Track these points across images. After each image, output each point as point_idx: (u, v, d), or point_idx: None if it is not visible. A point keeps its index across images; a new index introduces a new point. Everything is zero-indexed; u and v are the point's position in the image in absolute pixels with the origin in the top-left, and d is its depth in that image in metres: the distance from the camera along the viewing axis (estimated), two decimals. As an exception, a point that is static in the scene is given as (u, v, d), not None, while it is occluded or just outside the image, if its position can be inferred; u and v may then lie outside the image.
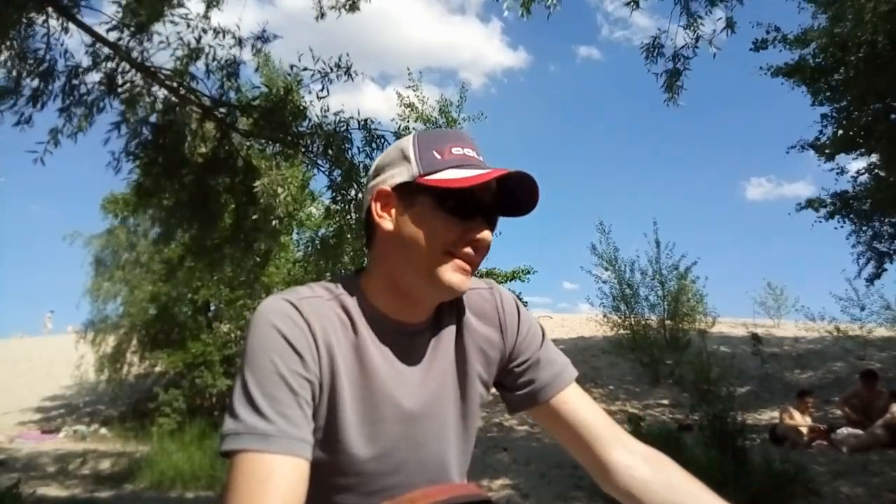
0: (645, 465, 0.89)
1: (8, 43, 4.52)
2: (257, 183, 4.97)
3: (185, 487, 7.25)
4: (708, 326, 11.64)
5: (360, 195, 5.32)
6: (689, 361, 9.17)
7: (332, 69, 5.16)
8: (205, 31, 5.05)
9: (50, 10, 4.65)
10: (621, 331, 11.57)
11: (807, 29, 8.30)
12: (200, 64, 5.17)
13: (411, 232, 0.83)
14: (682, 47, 5.30)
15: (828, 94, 8.88)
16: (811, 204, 10.30)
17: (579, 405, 0.94)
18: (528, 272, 10.91)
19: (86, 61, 4.94)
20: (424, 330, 0.89)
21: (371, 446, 0.82)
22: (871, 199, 9.63)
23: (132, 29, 4.85)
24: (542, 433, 7.87)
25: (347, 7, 5.44)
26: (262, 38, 5.30)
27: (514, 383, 0.96)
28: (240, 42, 5.17)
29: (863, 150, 9.45)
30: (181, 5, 4.97)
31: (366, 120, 5.28)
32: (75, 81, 4.85)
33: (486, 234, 0.83)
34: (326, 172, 5.50)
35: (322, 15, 5.47)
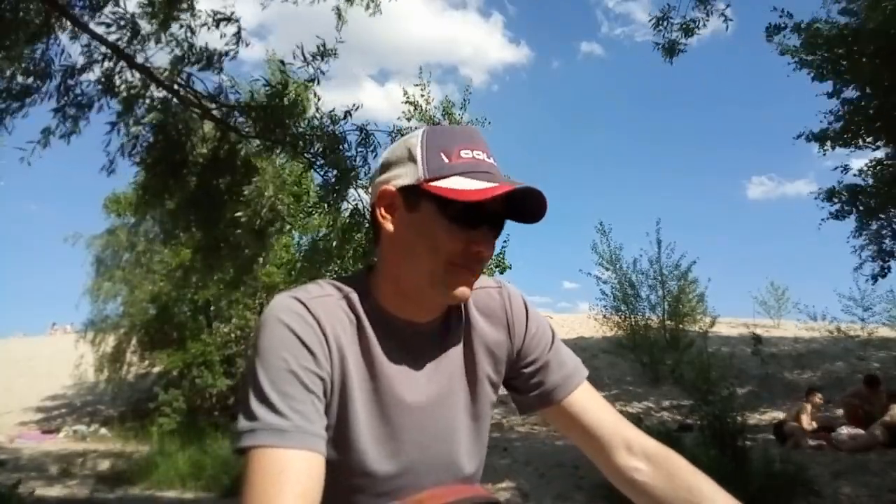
0: (647, 467, 0.90)
1: (7, 44, 4.51)
2: (246, 188, 4.96)
3: (185, 487, 7.25)
4: (708, 326, 11.64)
5: (353, 199, 5.32)
6: (689, 362, 9.17)
7: (316, 56, 5.07)
8: (206, 25, 5.01)
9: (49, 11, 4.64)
10: (621, 331, 11.58)
11: (816, 20, 8.29)
12: (198, 64, 5.15)
13: (414, 238, 0.82)
14: (690, 20, 5.56)
15: (836, 80, 8.83)
16: (831, 195, 10.14)
17: (586, 407, 0.94)
18: (503, 253, 10.35)
19: (81, 60, 4.93)
20: (433, 329, 0.88)
21: (381, 447, 0.82)
22: (880, 194, 9.55)
23: (131, 29, 4.84)
24: (541, 434, 7.88)
25: (370, 9, 5.40)
26: (235, 24, 5.18)
27: (524, 385, 0.96)
28: (239, 34, 5.12)
29: (869, 143, 9.42)
30: (192, 7, 4.96)
31: (363, 126, 5.26)
32: (71, 81, 4.83)
33: (489, 245, 0.82)
34: (322, 173, 5.48)
35: (343, 21, 5.38)
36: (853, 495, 4.83)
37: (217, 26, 5.01)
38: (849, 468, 5.46)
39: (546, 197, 0.81)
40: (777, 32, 8.55)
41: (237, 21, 5.06)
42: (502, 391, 0.98)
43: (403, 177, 0.82)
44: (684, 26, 5.55)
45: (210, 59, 5.06)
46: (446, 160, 0.81)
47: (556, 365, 0.95)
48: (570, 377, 0.95)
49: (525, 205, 0.83)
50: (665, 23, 5.59)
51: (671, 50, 5.62)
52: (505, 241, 10.35)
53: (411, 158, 0.83)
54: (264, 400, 0.73)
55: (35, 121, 4.91)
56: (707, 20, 5.48)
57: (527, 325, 0.95)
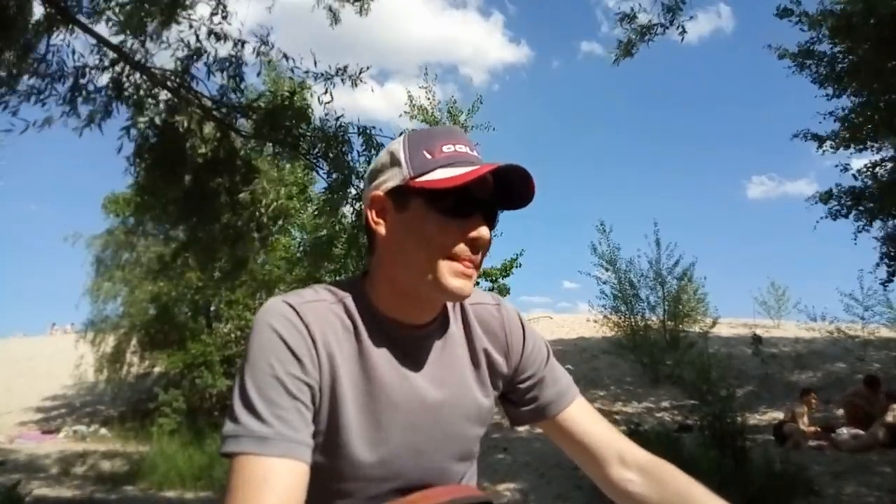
0: (641, 478, 0.91)
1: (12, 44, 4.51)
2: (244, 192, 4.98)
3: (184, 487, 7.25)
4: (708, 327, 11.63)
5: (356, 199, 5.31)
6: (689, 362, 9.16)
7: (336, 73, 5.10)
8: (211, 33, 5.04)
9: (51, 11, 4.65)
10: (621, 331, 11.57)
11: (824, 11, 8.30)
12: (201, 65, 5.16)
13: (407, 236, 0.81)
14: (655, 24, 5.72)
15: (834, 82, 8.81)
16: (823, 198, 10.11)
17: (579, 422, 0.96)
18: (518, 258, 10.75)
19: (90, 61, 4.94)
20: (430, 333, 0.88)
21: (373, 452, 0.82)
22: (884, 197, 9.51)
23: (135, 31, 4.84)
24: (541, 434, 7.87)
25: (360, 10, 5.46)
26: (264, 40, 5.25)
27: (519, 399, 0.98)
28: (241, 44, 5.15)
29: (867, 145, 9.41)
30: (192, 7, 4.97)
31: (366, 127, 5.25)
32: (83, 80, 4.84)
33: (483, 231, 0.81)
34: (325, 176, 5.48)
35: (336, 20, 5.47)
36: (854, 495, 4.83)
37: (241, 45, 5.12)
38: (849, 468, 5.46)
39: (532, 176, 0.81)
40: (788, 15, 8.56)
41: (267, 41, 5.15)
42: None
43: (390, 180, 0.83)
44: (643, 29, 5.72)
45: (238, 66, 5.15)
46: (429, 157, 0.82)
47: (550, 381, 0.97)
48: (565, 393, 0.97)
49: (513, 189, 0.84)
50: (628, 22, 5.77)
51: (627, 50, 5.83)
52: (519, 254, 10.64)
53: (395, 162, 0.84)
54: (249, 405, 0.73)
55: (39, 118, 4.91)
56: (667, 29, 5.66)
57: (524, 343, 0.97)
